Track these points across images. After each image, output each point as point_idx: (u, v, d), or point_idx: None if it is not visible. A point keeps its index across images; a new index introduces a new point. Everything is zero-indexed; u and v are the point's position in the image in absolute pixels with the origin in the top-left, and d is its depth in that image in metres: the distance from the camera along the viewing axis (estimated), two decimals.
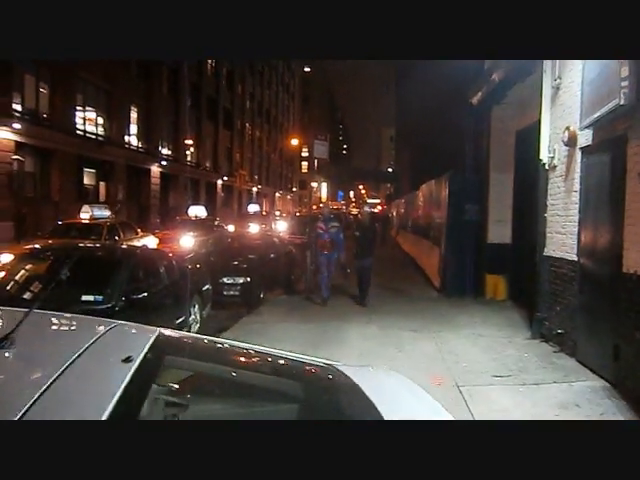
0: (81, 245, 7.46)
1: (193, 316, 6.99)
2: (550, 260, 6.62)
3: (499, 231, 9.79)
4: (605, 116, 4.76)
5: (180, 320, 6.49)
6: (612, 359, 4.86)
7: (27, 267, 5.73)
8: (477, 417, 4.31)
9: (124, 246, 9.03)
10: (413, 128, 28.90)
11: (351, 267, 9.69)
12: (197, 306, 7.15)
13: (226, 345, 2.80)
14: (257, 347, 2.73)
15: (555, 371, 5.50)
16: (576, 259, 5.86)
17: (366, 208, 10.07)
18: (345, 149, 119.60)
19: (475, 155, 11.30)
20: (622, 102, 4.19)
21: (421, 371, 5.60)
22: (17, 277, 5.53)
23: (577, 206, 5.85)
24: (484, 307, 9.09)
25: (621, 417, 4.24)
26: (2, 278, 5.58)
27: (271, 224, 22.53)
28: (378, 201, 74.14)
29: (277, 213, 35.47)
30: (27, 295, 5.13)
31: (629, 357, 4.56)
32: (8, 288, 5.42)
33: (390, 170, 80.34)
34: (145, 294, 5.43)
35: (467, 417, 4.33)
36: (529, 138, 7.86)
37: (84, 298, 4.96)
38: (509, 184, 9.64)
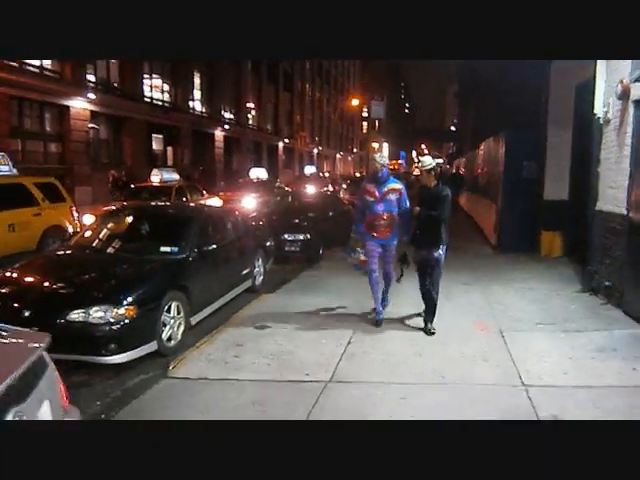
0: (158, 204, 8.23)
1: (257, 269, 7.61)
2: (602, 214, 6.68)
3: (556, 187, 9.73)
4: None
5: (246, 271, 7.14)
6: None
7: (113, 223, 6.51)
8: (514, 356, 4.66)
9: (194, 205, 9.77)
10: (475, 84, 28.08)
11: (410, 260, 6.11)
12: (261, 260, 7.75)
13: None
14: None
15: (599, 320, 5.71)
16: (626, 213, 5.94)
17: (429, 160, 5.70)
18: (408, 108, 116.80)
19: (534, 111, 11.11)
20: None
21: (468, 318, 5.98)
22: (107, 231, 6.32)
23: (628, 160, 5.88)
24: (538, 263, 9.19)
25: None
26: (95, 231, 6.40)
27: (328, 185, 22.96)
28: (441, 160, 72.30)
29: (326, 175, 35.66)
30: (116, 245, 5.90)
31: None
32: (100, 239, 6.25)
33: (453, 128, 78.07)
34: (215, 246, 6.07)
35: (505, 359, 4.69)
36: (588, 92, 7.74)
37: (162, 249, 5.65)
38: (568, 140, 9.52)
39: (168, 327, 5.12)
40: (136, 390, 4.37)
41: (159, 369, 4.78)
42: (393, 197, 5.78)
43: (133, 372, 4.74)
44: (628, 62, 5.72)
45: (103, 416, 3.94)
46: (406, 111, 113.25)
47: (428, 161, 5.70)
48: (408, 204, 5.87)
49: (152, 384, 4.43)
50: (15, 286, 4.92)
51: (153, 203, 8.81)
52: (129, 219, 6.53)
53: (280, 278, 8.39)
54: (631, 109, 5.83)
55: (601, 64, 6.58)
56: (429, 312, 5.74)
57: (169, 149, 27.62)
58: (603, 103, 6.62)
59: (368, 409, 3.80)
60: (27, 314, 4.50)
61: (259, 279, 7.68)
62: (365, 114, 68.72)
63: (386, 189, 5.78)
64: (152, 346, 4.87)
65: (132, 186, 16.28)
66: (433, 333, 5.55)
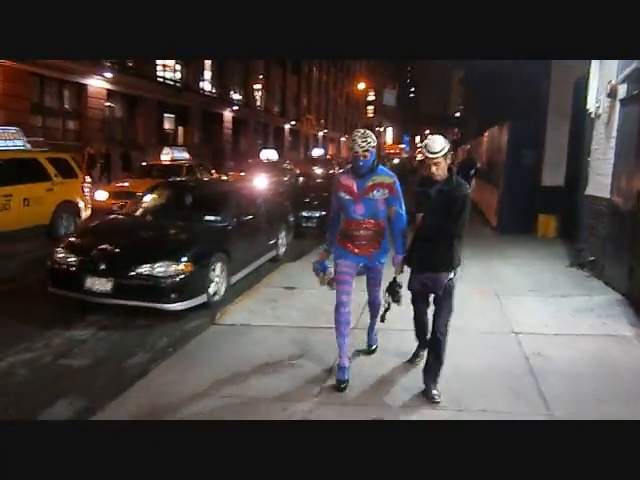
0: (198, 180, 9.15)
1: (281, 240, 8.50)
2: (590, 199, 7.56)
3: (553, 174, 10.60)
4: (634, 72, 5.61)
5: (272, 242, 8.04)
6: (627, 277, 5.92)
7: (162, 195, 7.43)
8: (506, 313, 5.58)
9: (231, 182, 10.68)
10: (481, 72, 28.62)
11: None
12: (284, 233, 8.64)
13: None
14: None
15: (582, 289, 6.63)
16: (609, 197, 6.81)
17: (440, 142, 3.62)
18: (413, 92, 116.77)
19: (535, 102, 11.91)
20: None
21: (469, 286, 6.84)
22: (158, 201, 7.26)
23: (613, 151, 6.74)
24: (534, 243, 10.07)
25: (624, 319, 5.40)
26: (148, 201, 7.29)
27: (335, 167, 23.73)
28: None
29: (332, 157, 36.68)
30: (168, 213, 6.81)
31: (639, 274, 5.62)
32: (153, 208, 7.14)
33: (457, 115, 78.43)
34: (249, 217, 6.98)
35: (500, 314, 5.61)
36: (584, 88, 8.55)
37: (207, 218, 6.55)
38: (565, 131, 10.34)
39: (214, 284, 6.01)
40: (192, 332, 5.29)
41: (207, 318, 5.68)
42: (379, 196, 3.93)
43: (187, 319, 5.66)
44: (615, 64, 6.53)
45: (171, 349, 4.85)
46: (411, 95, 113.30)
47: (439, 144, 3.64)
48: (403, 208, 4.03)
49: (205, 328, 5.34)
50: (91, 243, 5.81)
51: (196, 179, 9.75)
52: (176, 192, 7.47)
53: (299, 250, 9.27)
54: (617, 107, 6.66)
55: (594, 64, 7.39)
56: (431, 368, 3.83)
57: (180, 129, 28.34)
58: (595, 100, 7.45)
59: (393, 345, 4.71)
60: (103, 267, 5.40)
61: (282, 250, 8.58)
62: (371, 97, 69.07)
63: (370, 183, 3.92)
64: (202, 298, 5.78)
65: (143, 164, 16.75)
66: (438, 402, 3.71)
